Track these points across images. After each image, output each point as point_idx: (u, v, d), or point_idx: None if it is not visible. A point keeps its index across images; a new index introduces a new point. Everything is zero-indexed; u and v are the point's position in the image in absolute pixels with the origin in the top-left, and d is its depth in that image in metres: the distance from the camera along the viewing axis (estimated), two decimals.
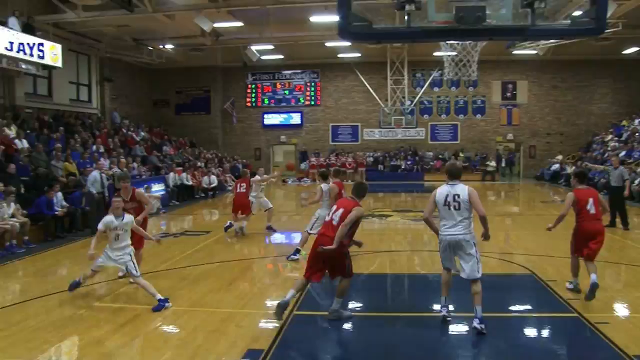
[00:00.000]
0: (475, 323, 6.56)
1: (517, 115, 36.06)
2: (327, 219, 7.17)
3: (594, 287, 7.52)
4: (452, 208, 6.68)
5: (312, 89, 36.27)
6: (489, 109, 36.13)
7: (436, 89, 36.06)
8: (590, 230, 7.90)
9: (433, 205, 6.80)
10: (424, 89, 35.70)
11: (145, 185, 18.34)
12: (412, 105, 35.37)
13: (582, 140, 35.47)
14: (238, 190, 13.45)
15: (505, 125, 36.17)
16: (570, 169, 29.74)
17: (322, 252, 6.89)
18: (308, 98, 36.34)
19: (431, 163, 34.29)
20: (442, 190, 6.79)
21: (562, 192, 26.96)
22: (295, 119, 36.45)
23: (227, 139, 36.87)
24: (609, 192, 14.45)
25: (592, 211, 7.95)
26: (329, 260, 6.91)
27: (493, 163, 34.39)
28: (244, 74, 36.08)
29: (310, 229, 10.15)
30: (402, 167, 34.30)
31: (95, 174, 15.16)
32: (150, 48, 29.74)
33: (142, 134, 28.45)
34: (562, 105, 35.95)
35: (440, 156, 35.21)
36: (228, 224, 13.71)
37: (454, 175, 6.84)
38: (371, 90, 35.40)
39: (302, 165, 35.10)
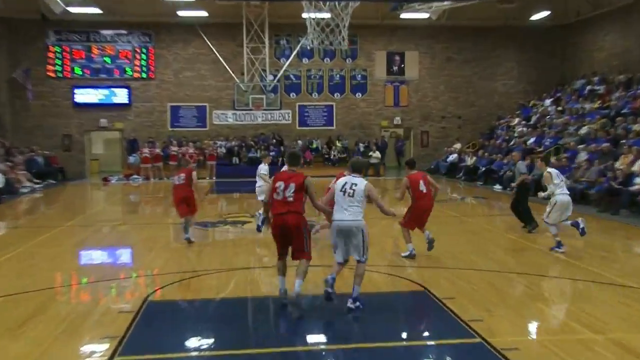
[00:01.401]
0: (349, 303, 8.55)
1: (405, 94, 37.42)
2: (279, 197, 8.70)
3: (432, 241, 12.20)
4: (346, 195, 8.65)
5: (144, 57, 35.85)
6: (372, 87, 37.25)
7: (306, 61, 36.76)
8: (423, 206, 12.08)
9: (332, 194, 8.89)
10: (290, 59, 36.20)
11: None
12: (275, 81, 35.77)
13: (483, 124, 37.24)
14: (177, 182, 14.04)
15: (392, 106, 37.43)
16: (470, 161, 31.57)
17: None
18: (138, 69, 35.85)
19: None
20: (342, 180, 8.90)
21: (461, 188, 28.32)
22: (121, 96, 35.75)
23: (20, 122, 35.14)
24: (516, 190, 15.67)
25: (424, 190, 11.92)
26: (295, 240, 8.65)
27: (377, 154, 35.01)
28: (44, 31, 34.58)
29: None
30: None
31: None
32: None
33: None
34: (460, 82, 37.61)
35: (311, 146, 35.98)
36: (260, 218, 14.48)
37: (355, 170, 8.99)
38: (222, 61, 35.56)
39: (131, 159, 34.29)
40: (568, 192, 12.82)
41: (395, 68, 37.22)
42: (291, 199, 8.66)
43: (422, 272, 11.07)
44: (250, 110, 35.72)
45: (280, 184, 8.76)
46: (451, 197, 24.66)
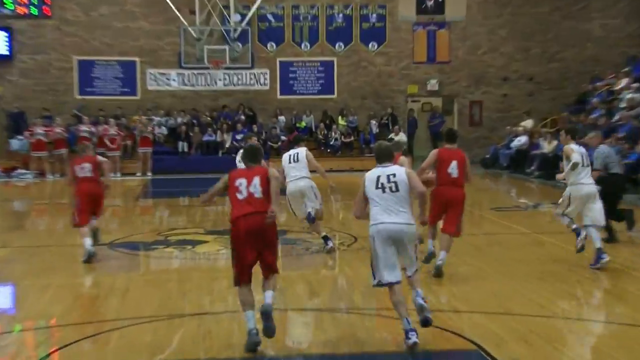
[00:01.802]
0: (419, 299, 9.23)
1: (446, 43, 36.23)
2: (242, 196, 9.26)
3: (431, 255, 12.97)
4: (387, 191, 9.35)
5: None
6: (394, 33, 36.23)
7: None
8: (447, 194, 12.86)
9: (363, 196, 9.50)
10: None
11: None
12: (244, 24, 34.81)
13: (570, 90, 36.07)
14: (80, 174, 14.49)
15: (425, 63, 36.31)
16: (549, 146, 30.49)
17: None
18: (24, 1, 34.58)
19: (282, 138, 34.00)
20: (373, 174, 9.53)
21: (534, 189, 28.41)
22: None
23: None
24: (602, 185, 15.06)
25: (454, 174, 12.81)
26: (266, 251, 9.32)
27: (401, 136, 32.21)
28: None
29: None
30: (227, 145, 33.96)
31: None
32: None
33: None
34: (532, 24, 36.64)
35: (299, 125, 35.23)
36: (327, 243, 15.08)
37: (384, 158, 9.62)
38: None
39: (15, 144, 33.22)
40: (591, 182, 13.90)
41: (430, 3, 35.80)
42: (259, 195, 9.32)
43: (475, 318, 10.95)
44: (206, 69, 34.65)
45: (242, 181, 9.47)
46: (518, 203, 25.11)
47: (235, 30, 34.29)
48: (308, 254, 15.01)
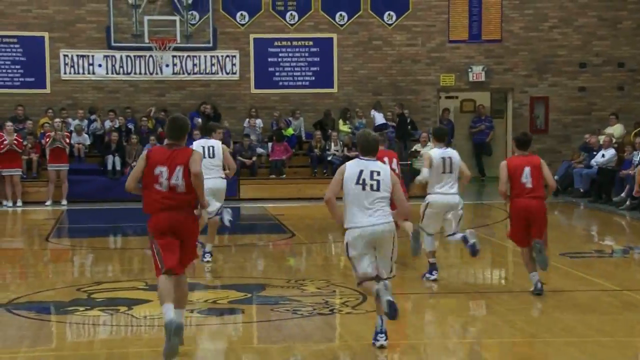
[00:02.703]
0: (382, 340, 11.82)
1: (496, 13, 37.30)
2: (162, 188, 11.49)
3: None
4: (367, 188, 11.68)
5: None
6: None
7: None
8: (524, 206, 15.22)
9: (339, 186, 11.75)
10: None
11: None
12: None
13: None
14: None
15: (465, 42, 37.38)
16: None
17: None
18: None
19: (259, 151, 34.97)
20: (354, 167, 11.86)
21: (626, 225, 28.62)
22: None
23: None
24: None
25: (529, 183, 15.13)
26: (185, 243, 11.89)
27: (430, 147, 31.43)
28: None
29: None
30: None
31: None
32: None
33: None
34: None
35: (284, 132, 36.00)
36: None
37: (369, 151, 11.92)
38: None
39: None
40: (454, 192, 16.77)
41: None
42: (181, 189, 11.35)
43: None
44: (148, 50, 35.73)
45: (162, 169, 11.29)
46: (602, 246, 24.35)
47: None
48: (296, 319, 14.71)
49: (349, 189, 11.26)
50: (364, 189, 11.25)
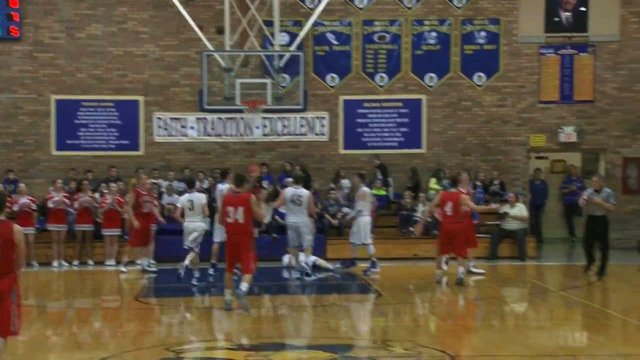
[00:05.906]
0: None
1: (589, 74, 36.67)
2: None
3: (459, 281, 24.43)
4: (295, 204, 25.48)
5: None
6: (511, 59, 37.10)
7: (358, 3, 36.65)
8: (447, 230, 25.14)
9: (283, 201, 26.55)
10: (324, 2, 35.04)
11: None
12: (293, 47, 35.27)
13: None
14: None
15: (556, 102, 37.00)
16: None
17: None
18: None
19: (346, 210, 33.88)
20: (289, 191, 26.20)
21: None
22: None
23: None
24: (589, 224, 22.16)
25: (449, 212, 24.74)
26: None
27: (519, 208, 34.01)
28: None
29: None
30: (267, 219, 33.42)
31: None
32: None
33: None
34: None
35: (374, 190, 34.33)
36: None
37: (297, 180, 26.45)
38: (180, 7, 34.43)
39: None
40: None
41: (565, 16, 36.65)
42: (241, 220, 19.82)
43: None
44: (239, 112, 34.96)
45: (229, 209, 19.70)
46: None
47: (280, 56, 34.39)
48: None
49: None
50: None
